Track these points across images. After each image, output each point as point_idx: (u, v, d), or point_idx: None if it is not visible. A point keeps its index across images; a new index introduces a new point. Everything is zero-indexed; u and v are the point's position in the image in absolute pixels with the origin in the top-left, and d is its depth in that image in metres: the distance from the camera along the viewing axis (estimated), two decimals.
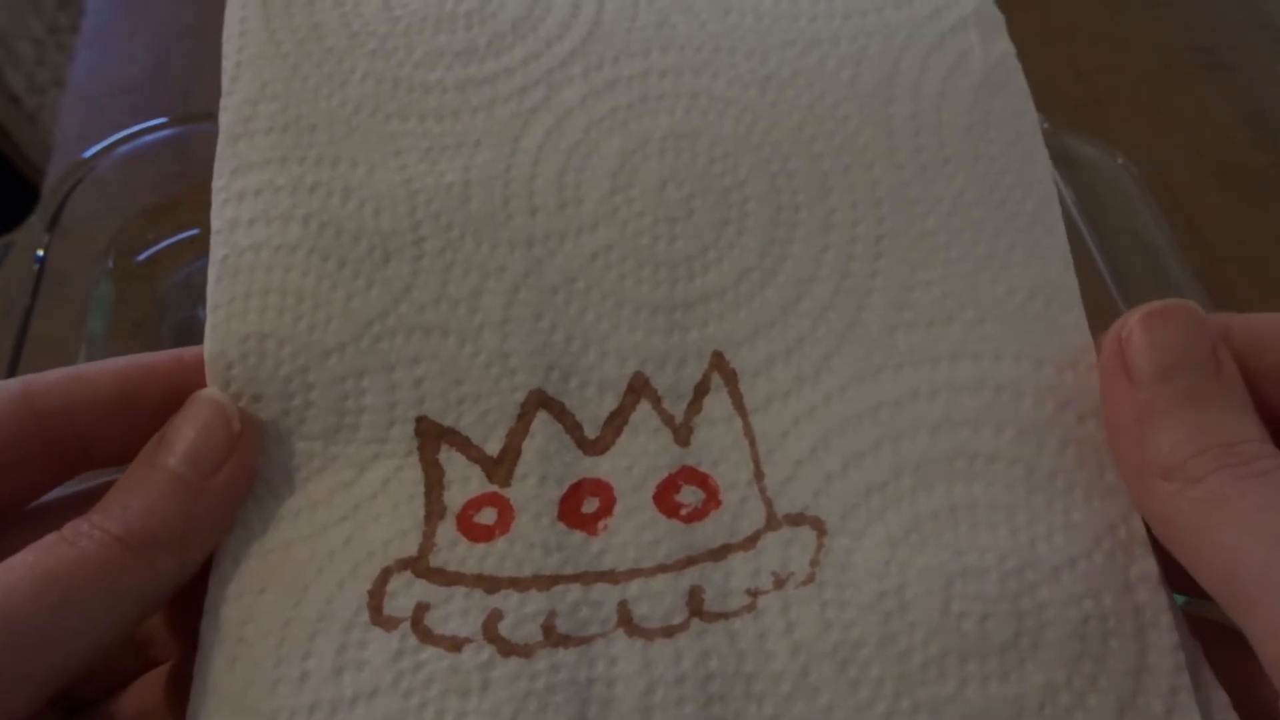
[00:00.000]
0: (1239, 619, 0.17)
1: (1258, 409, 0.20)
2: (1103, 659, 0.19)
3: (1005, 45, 0.24)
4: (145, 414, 0.21)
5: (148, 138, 0.37)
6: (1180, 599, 0.24)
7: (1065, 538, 0.20)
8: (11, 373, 0.32)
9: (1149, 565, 0.20)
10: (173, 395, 0.21)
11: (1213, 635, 0.20)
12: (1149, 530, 0.20)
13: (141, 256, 0.37)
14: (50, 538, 0.18)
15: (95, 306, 0.36)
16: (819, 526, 0.20)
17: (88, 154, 0.37)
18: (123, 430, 0.21)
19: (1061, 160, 0.36)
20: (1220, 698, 0.19)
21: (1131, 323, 0.20)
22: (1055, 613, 0.19)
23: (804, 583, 0.20)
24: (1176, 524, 0.18)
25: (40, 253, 0.35)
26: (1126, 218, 0.35)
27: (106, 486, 0.20)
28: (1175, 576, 0.20)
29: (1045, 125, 0.37)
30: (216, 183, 0.23)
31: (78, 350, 0.35)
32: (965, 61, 0.24)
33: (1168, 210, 0.35)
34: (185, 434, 0.20)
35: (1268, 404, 0.20)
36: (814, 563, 0.20)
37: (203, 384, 0.21)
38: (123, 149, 0.37)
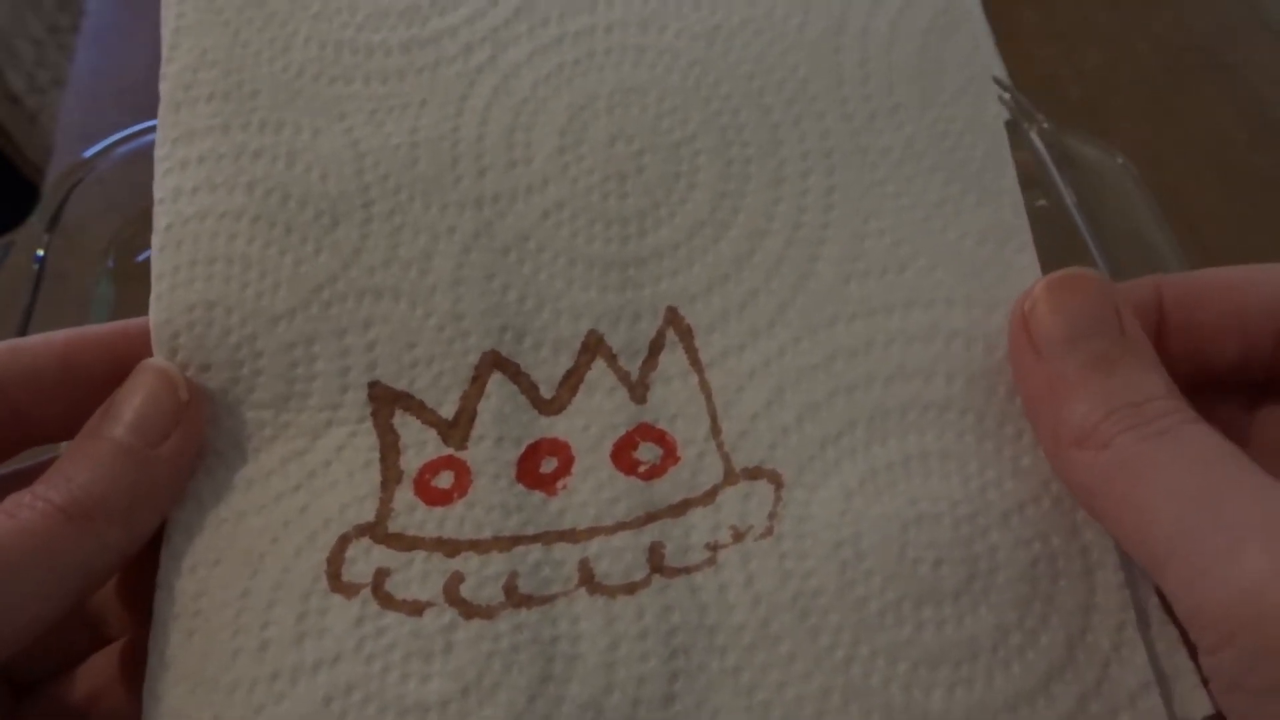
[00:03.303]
0: (1156, 578, 0.17)
1: (1195, 362, 0.20)
2: (1052, 599, 0.19)
3: None
4: (88, 387, 0.20)
5: (148, 138, 0.36)
6: None
7: (1015, 483, 0.20)
8: None
9: None
10: (117, 367, 0.21)
11: None
12: None
13: (141, 256, 0.37)
14: None
15: (95, 306, 0.35)
16: (776, 479, 0.21)
17: (88, 154, 0.37)
18: (65, 405, 0.20)
19: (1061, 160, 0.36)
20: (1170, 634, 0.19)
21: (1034, 294, 0.20)
22: (1006, 556, 0.19)
23: (763, 535, 0.20)
24: (1094, 491, 0.18)
25: (40, 253, 0.35)
26: (1126, 218, 0.35)
27: (50, 464, 0.19)
28: None
29: (1045, 125, 0.37)
30: (158, 152, 0.23)
31: None
32: (914, 5, 0.24)
33: (1168, 210, 0.35)
34: (131, 403, 0.20)
35: (1204, 356, 0.20)
36: (772, 515, 0.20)
37: (148, 355, 0.21)
38: (123, 149, 0.37)
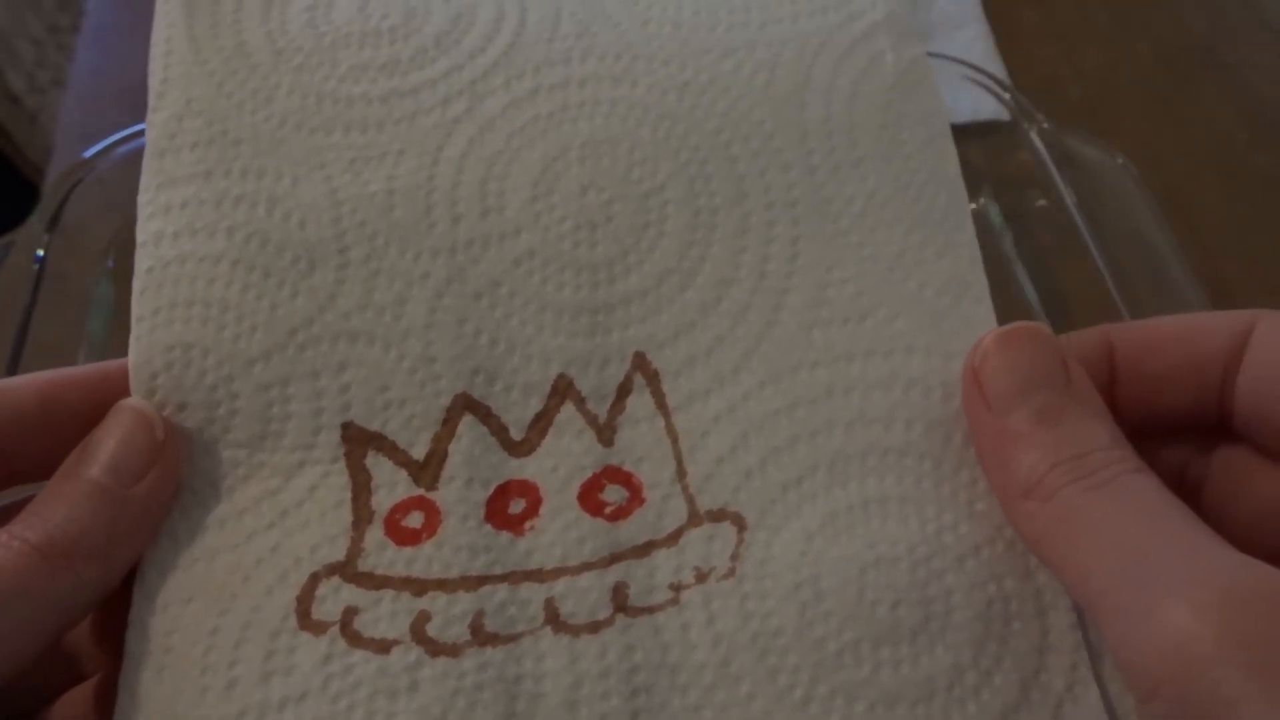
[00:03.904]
0: (1099, 629, 0.18)
1: (1146, 409, 0.21)
2: (1006, 640, 0.20)
3: (917, 50, 0.25)
4: (67, 427, 0.21)
5: None
6: None
7: (970, 527, 0.21)
8: (11, 374, 0.32)
9: None
10: (96, 407, 0.21)
11: None
12: None
13: None
14: None
15: (95, 306, 0.35)
16: (739, 522, 0.21)
17: (88, 154, 0.37)
18: (44, 444, 0.21)
19: (1062, 160, 0.37)
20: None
21: (984, 348, 0.20)
22: (961, 598, 0.20)
23: (725, 576, 0.21)
24: (1040, 541, 0.19)
25: (40, 253, 0.35)
26: (1126, 218, 0.35)
27: (27, 502, 0.20)
28: None
29: (1045, 125, 0.37)
30: (142, 197, 0.23)
31: (78, 351, 0.34)
32: (877, 65, 0.25)
33: (1168, 210, 0.35)
34: (107, 443, 0.20)
35: (1155, 403, 0.21)
36: (734, 557, 0.21)
37: (126, 395, 0.21)
38: (123, 149, 0.37)
